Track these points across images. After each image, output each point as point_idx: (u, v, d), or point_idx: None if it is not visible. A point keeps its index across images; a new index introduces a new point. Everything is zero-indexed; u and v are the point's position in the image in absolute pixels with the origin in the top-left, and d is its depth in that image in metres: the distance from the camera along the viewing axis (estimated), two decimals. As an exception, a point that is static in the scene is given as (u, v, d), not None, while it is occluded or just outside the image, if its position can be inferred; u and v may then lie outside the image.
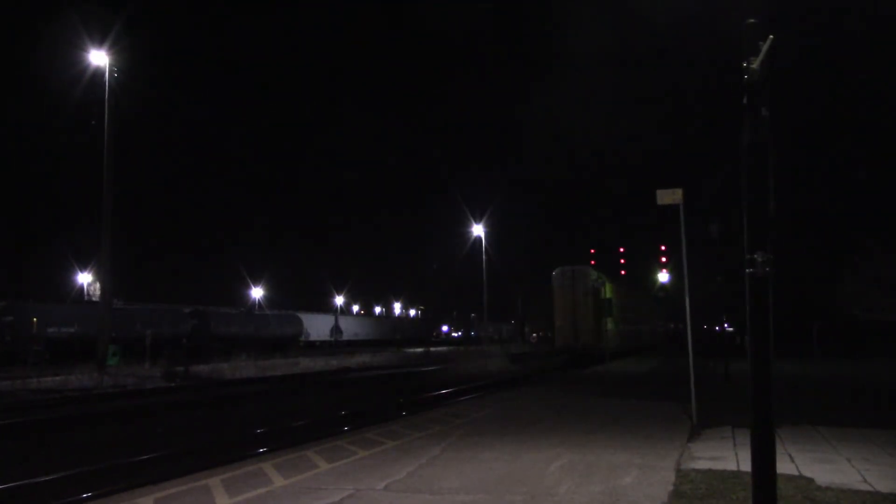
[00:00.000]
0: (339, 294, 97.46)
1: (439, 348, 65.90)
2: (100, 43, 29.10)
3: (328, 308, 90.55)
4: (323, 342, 68.84)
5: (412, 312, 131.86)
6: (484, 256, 56.81)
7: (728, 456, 9.01)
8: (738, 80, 5.06)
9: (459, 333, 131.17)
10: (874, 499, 6.79)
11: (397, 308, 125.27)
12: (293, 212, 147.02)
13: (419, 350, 59.80)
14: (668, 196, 12.17)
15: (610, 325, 35.91)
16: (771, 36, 4.95)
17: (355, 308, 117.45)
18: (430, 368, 37.83)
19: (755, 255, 4.93)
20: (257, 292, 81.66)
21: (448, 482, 7.72)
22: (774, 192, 5.02)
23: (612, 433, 11.08)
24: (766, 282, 4.93)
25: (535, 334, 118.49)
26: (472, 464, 8.74)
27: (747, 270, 4.96)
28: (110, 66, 29.07)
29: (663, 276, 30.74)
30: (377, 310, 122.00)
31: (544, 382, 24.62)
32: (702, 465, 8.44)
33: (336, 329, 71.41)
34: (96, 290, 63.17)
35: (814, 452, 9.16)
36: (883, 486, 7.27)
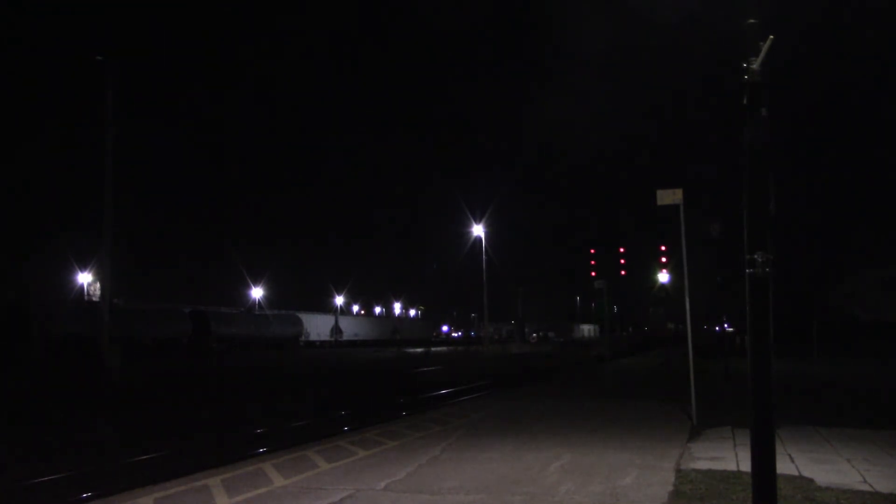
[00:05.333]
0: (339, 294, 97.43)
1: (439, 348, 65.87)
2: (101, 42, 29.08)
3: (328, 308, 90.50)
4: (323, 342, 68.81)
5: (412, 312, 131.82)
6: (484, 257, 56.78)
7: (728, 456, 9.01)
8: (738, 80, 5.07)
9: (459, 333, 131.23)
10: (874, 499, 6.78)
11: (397, 308, 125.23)
12: (293, 212, 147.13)
13: (419, 350, 59.77)
14: (668, 196, 12.16)
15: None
16: (771, 36, 4.95)
17: (355, 308, 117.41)
18: (431, 368, 37.83)
19: (755, 255, 4.93)
20: (257, 292, 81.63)
21: (448, 482, 7.71)
22: (774, 192, 5.02)
23: (612, 433, 11.07)
24: (766, 282, 4.92)
25: (534, 334, 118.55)
26: (472, 464, 8.74)
27: (747, 270, 4.96)
28: (109, 64, 29.01)
29: (663, 277, 30.67)
30: (377, 310, 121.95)
31: (544, 382, 24.62)
32: (702, 465, 8.44)
33: (336, 329, 71.39)
34: (96, 290, 63.16)
35: (814, 453, 9.15)
36: (883, 486, 7.27)
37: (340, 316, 79.71)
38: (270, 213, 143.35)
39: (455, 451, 9.67)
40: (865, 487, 7.22)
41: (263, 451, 11.67)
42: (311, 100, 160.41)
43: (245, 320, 58.68)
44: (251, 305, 77.56)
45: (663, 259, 30.13)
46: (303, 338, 65.15)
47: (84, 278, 70.63)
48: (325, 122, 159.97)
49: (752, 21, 5.02)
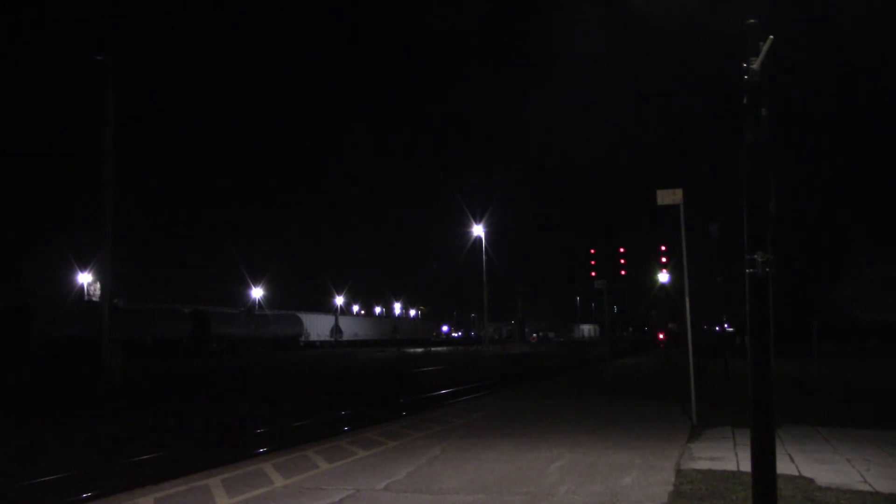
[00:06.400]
0: (339, 294, 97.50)
1: (439, 348, 65.91)
2: (101, 42, 29.07)
3: (328, 308, 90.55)
4: (323, 342, 68.81)
5: (412, 312, 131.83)
6: (484, 256, 56.83)
7: (728, 456, 9.01)
8: (738, 79, 5.06)
9: (459, 333, 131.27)
10: (874, 499, 6.78)
11: (397, 308, 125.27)
12: (294, 212, 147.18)
13: (419, 350, 59.81)
14: (668, 196, 12.17)
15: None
16: (771, 36, 4.95)
17: (355, 308, 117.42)
18: (431, 368, 37.83)
19: (755, 255, 4.93)
20: (257, 292, 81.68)
21: (448, 482, 7.71)
22: (774, 192, 5.02)
23: (612, 433, 11.07)
24: (766, 282, 4.92)
25: (534, 334, 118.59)
26: (471, 464, 8.74)
27: (747, 270, 4.96)
28: (109, 64, 29.00)
29: (663, 277, 30.66)
30: (377, 310, 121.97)
31: (545, 383, 24.61)
32: (702, 465, 8.44)
33: (336, 329, 71.41)
34: (96, 290, 63.18)
35: (814, 453, 9.15)
36: (883, 486, 7.27)
37: (340, 316, 79.74)
38: (271, 213, 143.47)
39: (455, 451, 9.67)
40: (865, 487, 7.22)
41: (263, 451, 11.66)
42: (312, 100, 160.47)
43: (245, 320, 58.69)
44: (251, 305, 77.60)
45: (663, 259, 30.12)
46: (303, 338, 65.18)
47: (84, 278, 70.66)
48: (326, 123, 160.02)
49: (752, 21, 5.02)
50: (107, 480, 10.33)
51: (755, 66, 4.97)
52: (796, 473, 7.86)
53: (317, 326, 68.79)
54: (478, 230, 58.04)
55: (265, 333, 59.10)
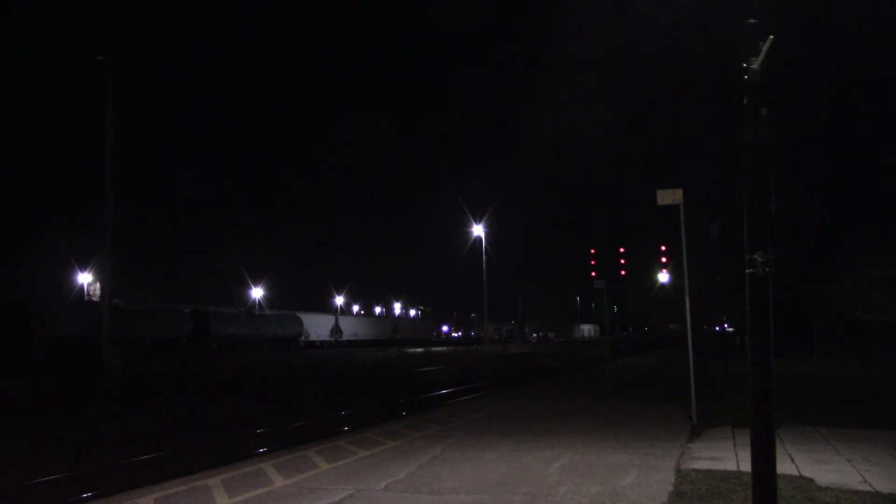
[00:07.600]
0: (339, 294, 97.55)
1: (439, 348, 65.90)
2: (102, 42, 29.05)
3: (328, 308, 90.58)
4: (323, 342, 68.79)
5: (412, 312, 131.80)
6: (484, 256, 56.86)
7: (728, 456, 9.00)
8: (738, 80, 5.06)
9: (459, 333, 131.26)
10: (874, 499, 6.78)
11: (397, 308, 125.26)
12: (294, 212, 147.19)
13: (419, 350, 59.80)
14: (669, 196, 12.16)
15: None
16: (771, 36, 4.95)
17: (355, 308, 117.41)
18: (431, 368, 37.83)
19: (755, 255, 4.93)
20: (257, 292, 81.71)
21: (448, 482, 7.71)
22: (774, 192, 5.02)
23: (611, 433, 11.07)
24: (766, 282, 4.92)
25: (535, 334, 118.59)
26: (472, 464, 8.74)
27: (747, 270, 4.96)
28: (109, 64, 28.96)
29: (663, 277, 30.63)
30: (377, 310, 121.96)
31: (544, 383, 24.61)
32: (702, 465, 8.44)
33: (336, 329, 71.39)
34: (96, 290, 63.20)
35: (814, 453, 9.15)
36: (883, 486, 7.26)
37: (340, 316, 79.72)
38: (271, 212, 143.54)
39: (455, 451, 9.67)
40: (866, 487, 7.22)
41: (263, 451, 11.67)
42: (312, 100, 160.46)
43: (245, 320, 58.67)
44: (251, 305, 77.62)
45: (663, 259, 30.09)
46: (303, 338, 65.16)
47: (84, 278, 70.68)
48: (327, 123, 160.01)
49: (752, 21, 5.02)
50: (107, 480, 10.34)
51: (755, 66, 4.97)
52: (796, 473, 7.86)
53: (317, 326, 68.77)
54: (478, 230, 58.09)
55: (265, 333, 59.07)
